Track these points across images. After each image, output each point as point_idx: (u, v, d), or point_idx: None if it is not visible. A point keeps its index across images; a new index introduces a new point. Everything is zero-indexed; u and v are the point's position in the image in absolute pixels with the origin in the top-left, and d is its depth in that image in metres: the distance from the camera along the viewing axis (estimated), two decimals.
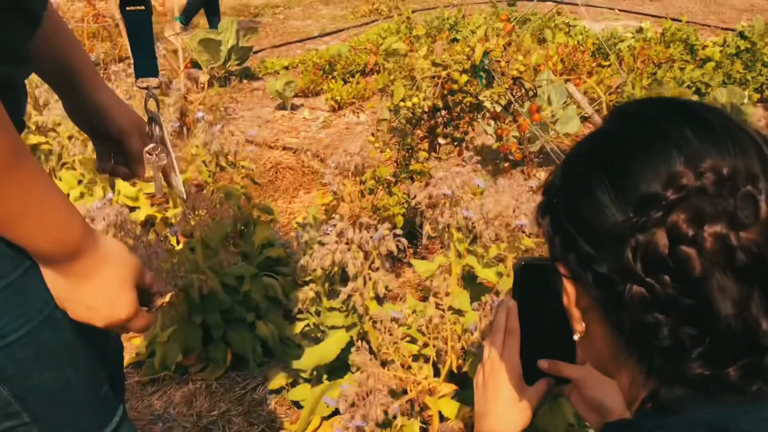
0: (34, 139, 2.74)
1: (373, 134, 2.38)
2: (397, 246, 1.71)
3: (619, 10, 6.84)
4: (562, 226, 0.74)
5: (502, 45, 2.09)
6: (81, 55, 1.12)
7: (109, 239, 0.87)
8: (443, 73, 2.08)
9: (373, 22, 6.78)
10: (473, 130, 2.38)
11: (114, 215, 1.91)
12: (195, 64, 5.23)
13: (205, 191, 2.48)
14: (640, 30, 5.48)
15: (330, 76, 5.03)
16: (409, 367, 1.66)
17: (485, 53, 2.07)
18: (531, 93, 2.20)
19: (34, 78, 2.74)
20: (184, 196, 1.11)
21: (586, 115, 2.19)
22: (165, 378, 2.32)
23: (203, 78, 5.29)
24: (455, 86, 2.10)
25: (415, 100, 2.13)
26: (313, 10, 7.87)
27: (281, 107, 4.74)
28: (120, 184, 2.52)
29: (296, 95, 4.84)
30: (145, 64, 1.04)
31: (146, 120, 1.12)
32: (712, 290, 0.64)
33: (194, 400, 2.23)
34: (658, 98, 0.78)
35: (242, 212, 2.44)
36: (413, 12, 6.69)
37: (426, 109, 2.16)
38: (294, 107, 4.75)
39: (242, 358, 2.34)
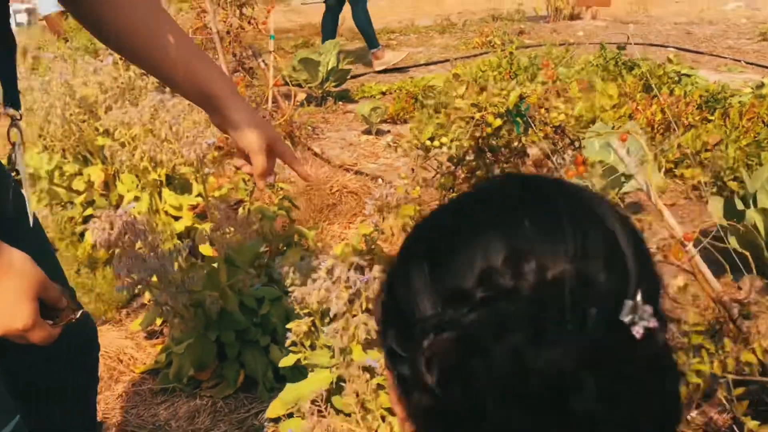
0: (101, 140, 2.88)
1: (413, 169, 2.32)
2: None
3: (746, 63, 6.42)
4: (382, 311, 0.66)
5: (541, 91, 1.98)
6: (217, 77, 1.21)
7: (14, 251, 0.88)
8: (477, 115, 2.00)
9: (482, 54, 6.69)
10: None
11: (123, 222, 1.94)
12: (294, 82, 5.36)
13: (241, 209, 2.50)
14: (760, 85, 5.10)
15: (421, 105, 5.00)
16: (384, 419, 1.58)
17: (521, 98, 1.97)
18: (577, 143, 2.08)
19: (104, 82, 2.88)
20: (31, 222, 1.14)
21: (629, 173, 2.03)
22: (175, 389, 2.34)
23: (300, 96, 5.41)
24: (489, 129, 2.01)
25: (444, 140, 2.06)
26: (427, 38, 7.90)
27: (367, 131, 4.75)
28: (167, 194, 2.59)
29: (384, 121, 4.84)
30: (10, 95, 1.08)
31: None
32: (495, 418, 0.54)
33: (197, 415, 2.23)
34: (514, 176, 0.68)
35: (272, 233, 2.44)
36: (526, 48, 6.57)
37: (456, 151, 2.08)
38: (379, 132, 4.75)
39: (254, 381, 2.32)
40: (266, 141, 1.28)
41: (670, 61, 5.20)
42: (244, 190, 2.44)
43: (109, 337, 2.59)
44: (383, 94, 5.61)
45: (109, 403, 2.34)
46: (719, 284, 2.06)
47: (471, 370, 0.54)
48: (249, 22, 4.74)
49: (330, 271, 1.64)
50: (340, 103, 5.40)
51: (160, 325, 2.55)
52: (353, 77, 6.16)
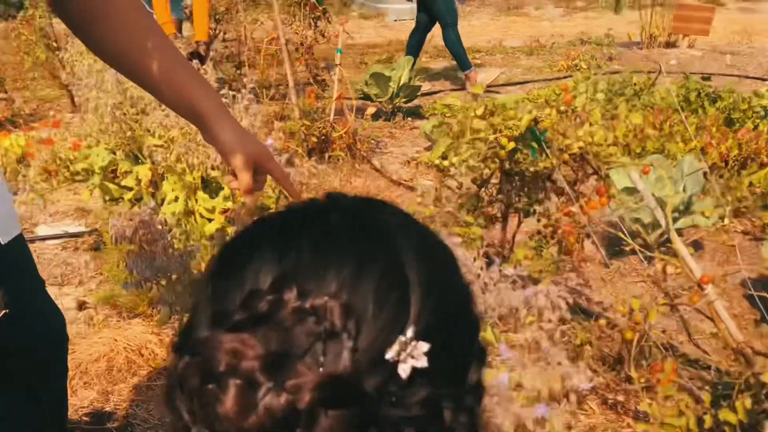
0: (151, 140, 2.99)
1: (435, 189, 2.29)
2: None
3: None
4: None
5: (555, 116, 1.91)
6: (204, 95, 1.23)
7: None
8: (492, 137, 1.95)
9: (565, 77, 6.55)
10: (539, 203, 2.20)
11: (140, 221, 2.01)
12: (365, 96, 5.41)
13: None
14: None
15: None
16: None
17: (536, 122, 1.90)
18: (602, 173, 1.99)
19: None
20: None
21: (651, 207, 1.93)
22: None
23: (370, 110, 5.46)
24: (503, 153, 1.95)
25: (454, 159, 2.02)
26: (513, 59, 7.81)
27: (429, 148, 4.73)
28: (201, 196, 2.66)
29: None
30: None
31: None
32: None
33: None
34: (328, 198, 0.66)
35: None
36: (613, 73, 6.38)
37: (478, 173, 2.04)
38: None
39: None
40: (253, 158, 1.27)
41: (756, 94, 4.92)
42: (269, 197, 2.47)
43: (135, 332, 2.68)
44: (491, 114, 5.57)
45: (122, 395, 2.41)
46: (740, 334, 1.92)
47: (206, 399, 0.52)
48: (323, 35, 4.82)
49: None
50: (409, 119, 5.41)
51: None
52: (428, 94, 6.16)
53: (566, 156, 1.93)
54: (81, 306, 2.74)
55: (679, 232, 3.26)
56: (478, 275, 1.61)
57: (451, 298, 0.60)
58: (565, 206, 2.18)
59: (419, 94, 5.54)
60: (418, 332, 0.54)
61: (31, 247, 3.07)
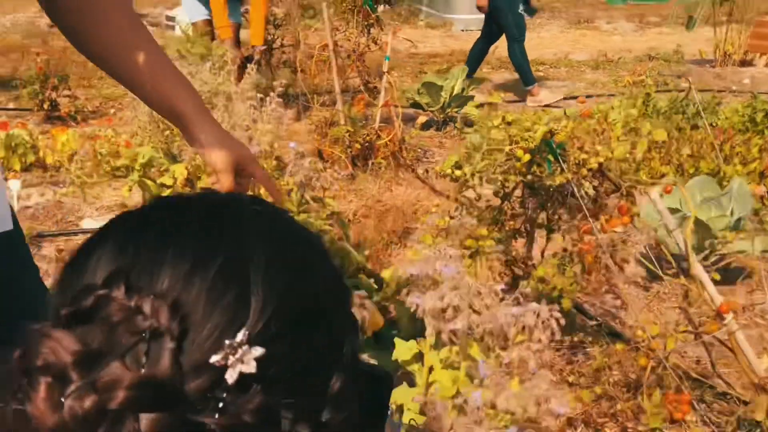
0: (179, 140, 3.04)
1: (456, 199, 2.24)
2: None
3: None
4: None
5: (570, 128, 1.83)
6: (185, 96, 1.22)
7: None
8: (507, 148, 1.88)
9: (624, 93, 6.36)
10: (560, 219, 2.12)
11: None
12: (416, 105, 5.38)
13: None
14: None
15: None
16: None
17: (552, 134, 1.82)
18: (623, 191, 1.90)
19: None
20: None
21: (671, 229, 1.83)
22: None
23: (420, 119, 5.43)
24: (518, 164, 1.89)
25: (466, 169, 1.96)
26: (577, 73, 7.64)
27: None
28: None
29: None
30: None
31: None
32: None
33: None
34: (202, 194, 0.63)
35: None
36: (680, 91, 6.17)
37: (498, 185, 1.98)
38: None
39: None
40: (234, 161, 1.28)
41: None
42: (289, 201, 2.47)
43: None
44: (509, 124, 5.48)
45: None
46: (762, 367, 1.80)
47: (20, 395, 0.50)
48: (375, 42, 4.83)
49: None
50: (461, 129, 5.35)
51: None
52: (485, 105, 6.08)
53: (584, 171, 1.86)
54: None
55: (725, 257, 3.11)
56: (478, 292, 1.56)
57: (306, 304, 0.56)
58: (585, 223, 2.10)
59: (473, 104, 5.47)
60: (252, 336, 0.51)
61: (75, 239, 3.16)
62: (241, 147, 1.35)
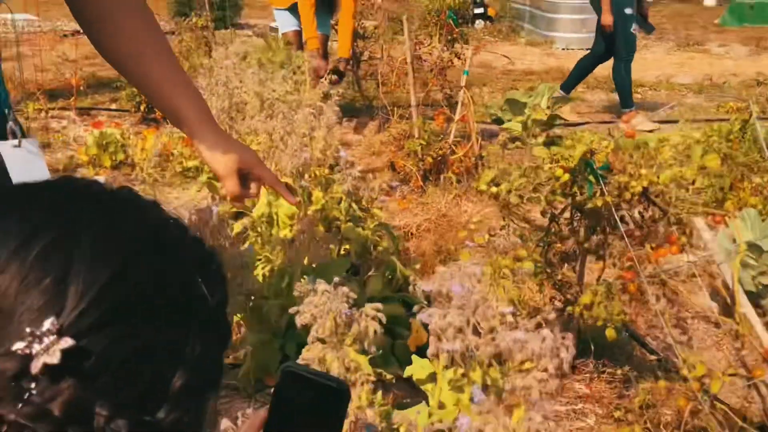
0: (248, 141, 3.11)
1: (503, 218, 2.18)
2: None
3: None
4: None
5: (611, 148, 1.72)
6: (189, 103, 1.28)
7: None
8: (546, 167, 1.80)
9: (725, 120, 6.04)
10: (610, 244, 2.01)
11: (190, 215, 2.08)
12: (498, 121, 5.30)
13: (334, 228, 2.54)
14: None
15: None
16: None
17: (591, 153, 1.72)
18: (672, 218, 1.77)
19: (263, 93, 3.11)
20: None
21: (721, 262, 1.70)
22: (239, 389, 2.43)
23: (502, 137, 5.33)
24: (557, 185, 1.80)
25: (503, 187, 1.89)
26: (677, 97, 7.32)
27: None
28: (277, 203, 2.72)
29: None
30: None
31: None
32: None
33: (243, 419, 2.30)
34: (71, 178, 0.61)
35: (361, 257, 2.44)
36: None
37: (544, 204, 1.90)
38: None
39: None
40: (238, 165, 1.30)
41: None
42: (337, 209, 2.47)
43: None
44: (550, 143, 5.31)
45: None
46: None
47: None
48: (458, 57, 4.79)
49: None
50: (542, 148, 5.22)
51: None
52: (574, 125, 5.92)
53: (627, 194, 1.76)
54: None
55: None
56: (502, 315, 1.49)
57: (135, 296, 0.54)
58: (635, 250, 1.99)
59: (560, 123, 5.33)
60: (64, 327, 0.50)
61: None
62: (245, 151, 1.36)
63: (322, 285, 1.69)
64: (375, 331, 1.63)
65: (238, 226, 2.71)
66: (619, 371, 2.57)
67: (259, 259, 2.53)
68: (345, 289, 1.66)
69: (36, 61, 7.20)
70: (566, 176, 1.83)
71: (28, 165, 1.21)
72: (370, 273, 2.53)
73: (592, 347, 2.51)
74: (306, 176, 2.40)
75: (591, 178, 1.81)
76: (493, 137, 5.26)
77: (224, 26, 8.14)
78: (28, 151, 1.20)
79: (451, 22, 4.63)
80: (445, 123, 4.95)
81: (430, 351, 1.42)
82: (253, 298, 2.25)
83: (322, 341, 1.69)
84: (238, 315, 2.29)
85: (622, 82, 5.98)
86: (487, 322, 1.37)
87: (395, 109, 4.96)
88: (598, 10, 5.95)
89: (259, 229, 2.61)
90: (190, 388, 0.55)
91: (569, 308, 2.22)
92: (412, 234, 3.49)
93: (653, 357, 2.82)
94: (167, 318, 0.55)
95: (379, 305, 1.71)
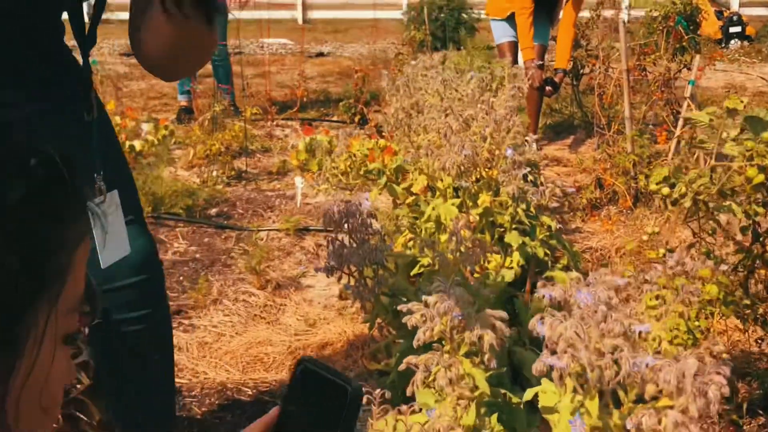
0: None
1: (694, 234, 1.79)
2: None
3: None
4: None
5: None
6: None
7: None
8: (736, 164, 1.39)
9: None
10: None
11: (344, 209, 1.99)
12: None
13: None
14: None
15: None
16: None
17: None
18: None
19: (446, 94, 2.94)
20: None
21: None
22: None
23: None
24: (747, 187, 1.38)
25: (678, 189, 1.50)
26: None
27: None
28: (445, 206, 2.53)
29: None
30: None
31: None
32: None
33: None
34: None
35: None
36: None
37: (740, 216, 1.50)
38: None
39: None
40: None
41: None
42: (501, 215, 2.23)
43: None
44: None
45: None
46: None
47: None
48: (688, 68, 4.26)
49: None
50: None
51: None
52: None
53: None
54: None
55: None
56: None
57: None
58: None
59: None
60: None
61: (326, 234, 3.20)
62: None
63: (441, 286, 1.48)
64: (492, 345, 1.39)
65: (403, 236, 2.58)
66: None
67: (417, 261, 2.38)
68: (460, 289, 1.44)
69: (279, 77, 7.79)
70: (760, 177, 1.43)
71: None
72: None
73: None
74: (471, 177, 2.20)
75: None
76: (726, 158, 4.61)
77: (457, 48, 8.10)
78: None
79: (681, 28, 4.13)
80: (667, 140, 4.44)
81: (535, 367, 1.15)
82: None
83: (428, 347, 1.48)
84: (381, 317, 2.14)
85: None
86: (611, 339, 1.07)
87: (611, 124, 4.55)
88: None
89: (417, 230, 2.46)
90: None
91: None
92: (602, 255, 3.12)
93: None
94: None
95: (503, 313, 1.47)
